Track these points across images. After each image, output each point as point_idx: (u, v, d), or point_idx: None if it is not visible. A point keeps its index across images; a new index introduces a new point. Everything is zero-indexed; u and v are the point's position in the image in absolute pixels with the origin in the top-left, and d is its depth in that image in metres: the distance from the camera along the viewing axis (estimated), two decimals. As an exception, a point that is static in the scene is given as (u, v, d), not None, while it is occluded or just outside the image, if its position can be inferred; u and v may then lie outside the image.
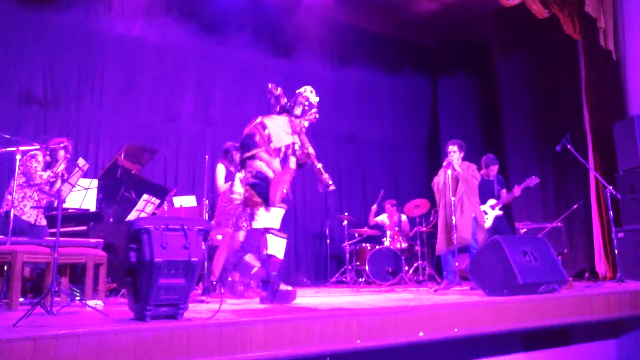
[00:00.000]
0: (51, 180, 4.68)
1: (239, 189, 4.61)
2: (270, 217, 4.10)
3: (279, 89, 4.41)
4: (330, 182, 4.08)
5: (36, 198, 4.72)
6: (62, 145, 4.38)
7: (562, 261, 6.28)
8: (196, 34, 8.22)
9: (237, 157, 5.46)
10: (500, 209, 5.86)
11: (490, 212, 5.85)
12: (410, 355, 3.40)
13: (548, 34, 7.68)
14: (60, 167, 4.36)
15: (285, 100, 4.39)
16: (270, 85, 4.42)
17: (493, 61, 9.22)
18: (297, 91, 4.40)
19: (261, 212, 4.09)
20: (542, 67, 8.29)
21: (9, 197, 4.50)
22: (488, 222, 5.82)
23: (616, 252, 5.74)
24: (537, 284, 4.05)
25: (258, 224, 4.11)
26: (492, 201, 5.90)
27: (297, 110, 4.30)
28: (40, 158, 4.53)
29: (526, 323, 3.71)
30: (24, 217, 4.60)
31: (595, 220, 6.85)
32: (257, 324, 2.78)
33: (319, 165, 4.14)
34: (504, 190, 5.96)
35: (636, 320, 4.41)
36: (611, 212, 5.66)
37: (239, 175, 4.53)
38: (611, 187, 5.73)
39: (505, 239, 4.26)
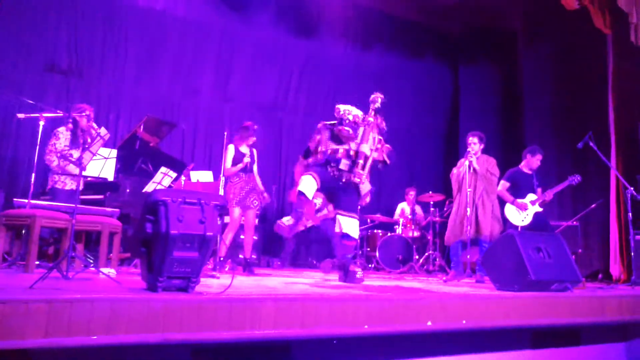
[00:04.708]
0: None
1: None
2: None
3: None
4: None
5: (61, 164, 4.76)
6: (85, 113, 4.36)
7: (575, 261, 6.21)
8: (220, 10, 8.19)
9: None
10: (540, 205, 5.61)
11: (531, 207, 5.58)
12: (417, 344, 3.41)
13: (576, 26, 7.44)
14: (96, 145, 4.21)
15: None
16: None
17: (517, 51, 9.03)
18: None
19: None
20: (568, 61, 8.08)
21: (56, 177, 4.56)
22: (528, 219, 5.56)
23: (632, 254, 5.66)
24: (549, 281, 4.01)
25: None
26: (532, 196, 5.62)
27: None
28: (62, 135, 4.52)
29: (536, 320, 3.68)
30: (66, 188, 4.65)
31: (613, 221, 6.76)
32: (267, 302, 2.79)
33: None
34: (540, 189, 5.71)
35: (648, 324, 4.36)
36: (630, 214, 5.57)
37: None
38: (632, 189, 5.63)
39: (520, 234, 4.22)
